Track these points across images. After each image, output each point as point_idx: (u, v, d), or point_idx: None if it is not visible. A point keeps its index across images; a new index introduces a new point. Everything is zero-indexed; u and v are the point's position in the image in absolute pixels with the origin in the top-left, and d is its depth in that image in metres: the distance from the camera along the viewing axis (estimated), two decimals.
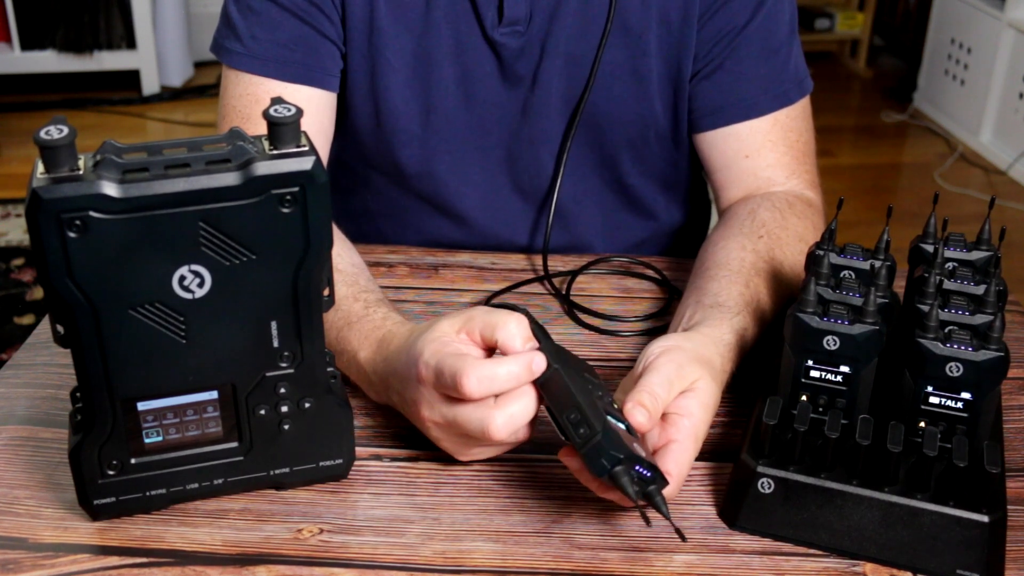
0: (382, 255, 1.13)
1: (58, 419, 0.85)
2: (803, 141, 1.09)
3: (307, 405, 0.75)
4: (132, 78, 3.90)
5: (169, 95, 3.94)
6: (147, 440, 0.72)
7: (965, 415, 0.74)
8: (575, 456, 0.71)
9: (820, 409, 0.77)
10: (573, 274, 1.10)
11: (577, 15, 1.04)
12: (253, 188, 0.65)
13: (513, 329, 0.73)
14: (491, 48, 1.05)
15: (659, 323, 1.01)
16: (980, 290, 0.76)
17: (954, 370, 0.72)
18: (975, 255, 0.81)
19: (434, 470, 0.81)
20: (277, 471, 0.77)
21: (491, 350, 0.75)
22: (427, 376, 0.74)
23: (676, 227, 1.24)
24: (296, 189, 0.66)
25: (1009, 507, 0.74)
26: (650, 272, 1.11)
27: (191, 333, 0.69)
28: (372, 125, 1.10)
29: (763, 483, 0.74)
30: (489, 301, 1.04)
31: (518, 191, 1.14)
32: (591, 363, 0.77)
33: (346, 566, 0.72)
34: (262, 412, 0.74)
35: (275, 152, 0.66)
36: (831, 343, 0.74)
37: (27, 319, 2.56)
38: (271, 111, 0.66)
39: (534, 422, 0.74)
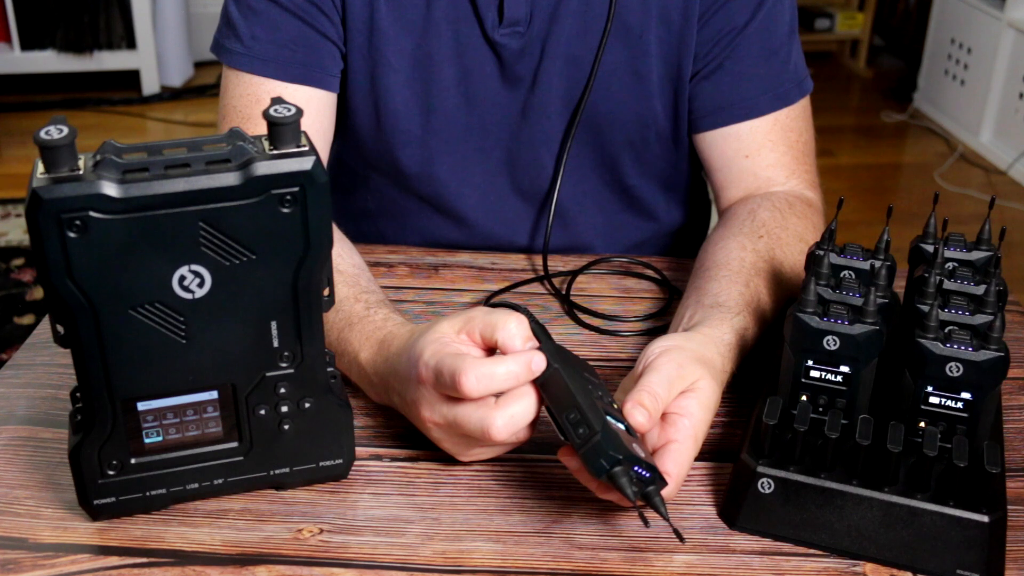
0: (382, 255, 1.13)
1: (58, 419, 0.85)
2: (803, 141, 1.09)
3: (307, 405, 0.75)
4: (132, 78, 3.90)
5: (169, 95, 3.94)
6: (147, 440, 0.72)
7: (965, 415, 0.74)
8: (574, 456, 0.71)
9: (820, 409, 0.77)
10: (573, 274, 1.10)
11: (577, 16, 1.04)
12: (253, 188, 0.65)
13: (513, 329, 0.73)
14: (491, 49, 1.05)
15: (659, 323, 1.01)
16: (980, 290, 0.76)
17: (954, 370, 0.72)
18: (975, 255, 0.81)
19: (434, 470, 0.81)
20: (277, 471, 0.77)
21: (491, 350, 0.75)
22: (427, 376, 0.74)
23: (676, 227, 1.24)
24: (296, 189, 0.66)
25: (1009, 507, 0.74)
26: (650, 272, 1.11)
27: (191, 333, 0.69)
28: (372, 125, 1.10)
29: (763, 483, 0.74)
30: (489, 301, 1.04)
31: (518, 192, 1.14)
32: (591, 363, 0.77)
33: (346, 566, 0.72)
34: (262, 412, 0.74)
35: (275, 152, 0.66)
36: (831, 343, 0.74)
37: (27, 319, 2.56)
38: (271, 111, 0.66)
39: (535, 423, 0.74)
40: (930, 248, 0.83)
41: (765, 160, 1.07)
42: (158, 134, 3.65)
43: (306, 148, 0.67)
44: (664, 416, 0.75)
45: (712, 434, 0.84)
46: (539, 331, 0.75)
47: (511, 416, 0.71)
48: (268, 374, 0.73)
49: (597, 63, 1.05)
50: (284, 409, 0.74)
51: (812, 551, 0.74)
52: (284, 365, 0.73)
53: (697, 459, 0.77)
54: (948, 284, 0.78)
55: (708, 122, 1.08)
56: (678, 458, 0.73)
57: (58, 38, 3.76)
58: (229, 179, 0.65)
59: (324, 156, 1.09)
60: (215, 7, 4.05)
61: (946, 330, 0.73)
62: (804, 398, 0.77)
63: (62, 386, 0.89)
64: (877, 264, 0.79)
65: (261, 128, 0.70)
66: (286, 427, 0.75)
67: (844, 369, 0.75)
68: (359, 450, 0.82)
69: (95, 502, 0.73)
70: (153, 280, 0.66)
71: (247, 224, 0.66)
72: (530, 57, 1.05)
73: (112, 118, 3.76)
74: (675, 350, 0.78)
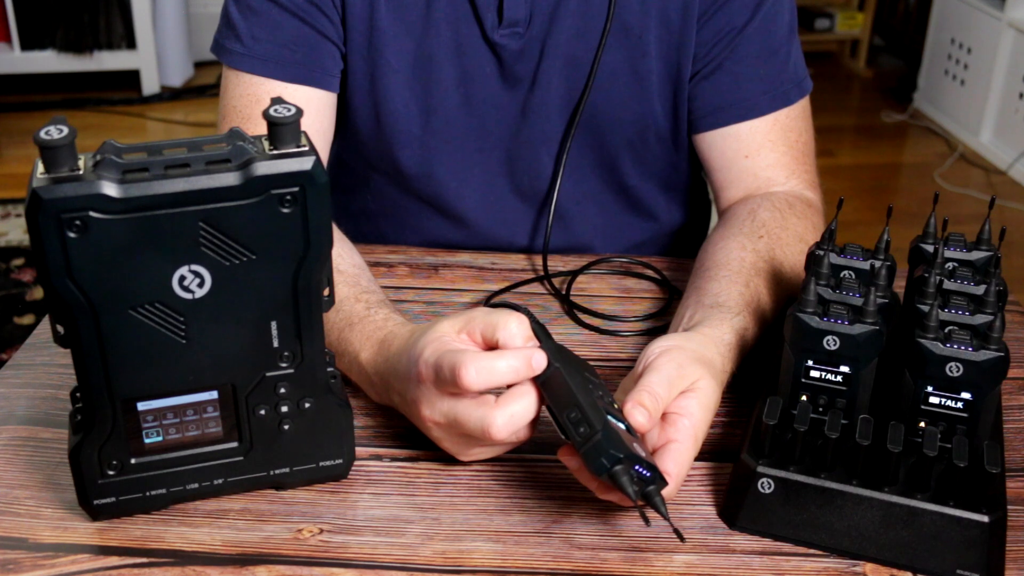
0: (382, 255, 1.13)
1: (58, 419, 0.85)
2: (803, 141, 1.09)
3: (307, 405, 0.75)
4: (132, 78, 3.90)
5: (169, 95, 3.94)
6: (147, 440, 0.72)
7: (965, 415, 0.74)
8: (575, 455, 0.71)
9: (820, 409, 0.77)
10: (573, 274, 1.10)
11: (577, 16, 1.04)
12: (253, 188, 0.65)
13: (514, 328, 0.73)
14: (491, 49, 1.05)
15: (659, 323, 1.01)
16: (980, 290, 0.77)
17: (954, 370, 0.72)
18: (975, 255, 0.81)
19: (434, 470, 0.81)
20: (277, 471, 0.77)
21: (491, 350, 0.75)
22: (427, 374, 0.74)
23: (676, 228, 1.24)
24: (296, 189, 0.66)
25: (1009, 507, 0.74)
26: (650, 272, 1.11)
27: (191, 333, 0.69)
28: (372, 126, 1.10)
29: (763, 483, 0.74)
30: (489, 301, 1.04)
31: (518, 192, 1.14)
32: (591, 363, 0.77)
33: (346, 566, 0.72)
34: (262, 412, 0.74)
35: (275, 152, 0.66)
36: (831, 343, 0.74)
37: (27, 319, 2.56)
38: (271, 111, 0.66)
39: (535, 422, 0.74)
40: (930, 248, 0.83)
41: (765, 160, 1.07)
42: (158, 134, 3.65)
43: (306, 148, 0.67)
44: (664, 416, 0.75)
45: (712, 434, 0.84)
46: (540, 331, 0.75)
47: (511, 415, 0.71)
48: (268, 374, 0.73)
49: (596, 63, 1.05)
50: (284, 409, 0.74)
51: (812, 551, 0.74)
52: (284, 365, 0.73)
53: (697, 459, 0.77)
54: (948, 284, 0.78)
55: (708, 122, 1.08)
56: (678, 458, 0.73)
57: (58, 38, 3.76)
58: (229, 179, 0.65)
59: (324, 156, 1.09)
60: (215, 7, 4.05)
61: (946, 330, 0.73)
62: (804, 398, 0.77)
63: (62, 386, 0.89)
64: (877, 264, 0.79)
65: (261, 128, 0.70)
66: (286, 427, 0.75)
67: (844, 369, 0.75)
68: (359, 450, 0.82)
69: (95, 502, 0.73)
70: (153, 280, 0.66)
71: (247, 224, 0.66)
72: (530, 58, 1.05)
73: (112, 118, 3.76)
74: (675, 350, 0.78)
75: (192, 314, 0.68)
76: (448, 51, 1.05)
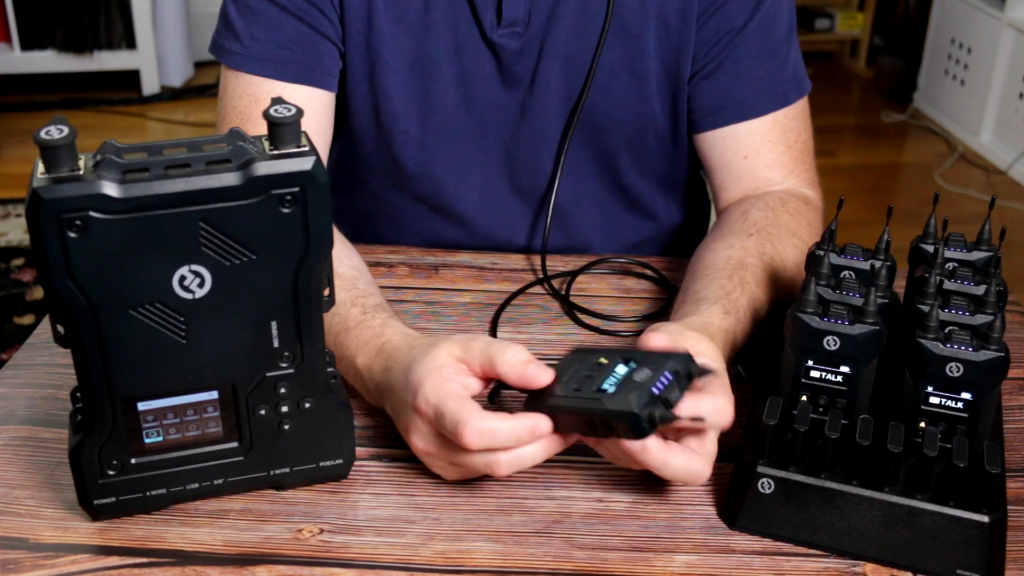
0: (382, 255, 1.13)
1: (58, 419, 0.85)
2: (802, 141, 1.09)
3: (307, 405, 0.75)
4: (132, 78, 3.90)
5: (169, 95, 3.94)
6: (147, 440, 0.72)
7: (965, 415, 0.74)
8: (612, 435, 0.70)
9: (820, 409, 0.77)
10: (572, 275, 1.10)
11: (575, 16, 1.04)
12: (253, 188, 0.65)
13: (510, 359, 0.73)
14: (490, 49, 1.05)
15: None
16: (980, 290, 0.77)
17: (954, 370, 0.72)
18: (975, 255, 0.81)
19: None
20: (277, 471, 0.77)
21: (489, 380, 0.76)
22: (426, 412, 0.73)
23: (675, 227, 1.24)
24: (296, 189, 0.66)
25: (1009, 507, 0.74)
26: (649, 272, 1.11)
27: (191, 333, 0.69)
28: (371, 125, 1.10)
29: (763, 483, 0.74)
30: (497, 318, 1.03)
31: (517, 192, 1.14)
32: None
33: (346, 566, 0.72)
34: (262, 412, 0.74)
35: (275, 152, 0.66)
36: (831, 343, 0.74)
37: (27, 319, 2.56)
38: (271, 111, 0.66)
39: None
40: (930, 248, 0.83)
41: (764, 160, 1.07)
42: (158, 134, 3.65)
43: (306, 148, 0.67)
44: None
45: None
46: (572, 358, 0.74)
47: (518, 455, 0.72)
48: (268, 374, 0.73)
49: (595, 63, 1.05)
50: (284, 409, 0.74)
51: (812, 551, 0.74)
52: (284, 365, 0.73)
53: None
54: (948, 284, 0.78)
55: (707, 122, 1.08)
56: (718, 398, 0.73)
57: (58, 38, 3.76)
58: (229, 179, 0.65)
59: (324, 156, 1.09)
60: (215, 7, 4.03)
61: (946, 330, 0.73)
62: (804, 398, 0.77)
63: (62, 386, 0.89)
64: (877, 264, 0.79)
65: (261, 128, 0.70)
66: (286, 427, 0.75)
67: (844, 369, 0.75)
68: (359, 450, 0.82)
69: (95, 502, 0.73)
70: (153, 280, 0.66)
71: (247, 224, 0.66)
72: (528, 57, 1.05)
73: (112, 118, 3.76)
74: (667, 325, 0.79)
75: (192, 314, 0.68)
76: (447, 51, 1.05)
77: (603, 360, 0.72)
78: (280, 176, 0.66)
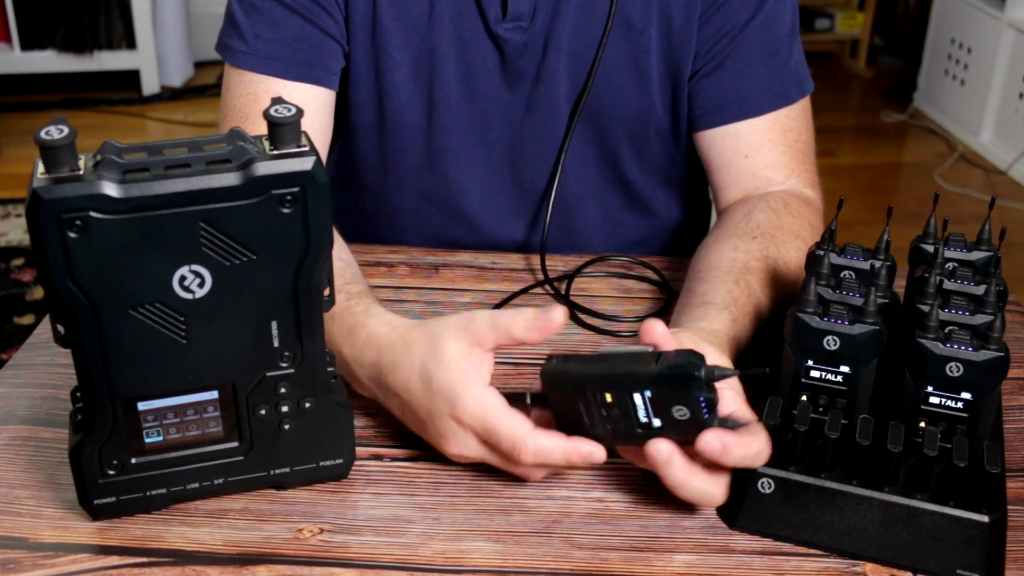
0: (382, 255, 1.13)
1: (58, 419, 0.85)
2: (803, 141, 1.09)
3: (307, 405, 0.75)
4: (132, 78, 3.90)
5: (169, 95, 3.94)
6: (147, 440, 0.72)
7: (965, 415, 0.74)
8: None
9: (820, 409, 0.77)
10: (572, 276, 1.10)
11: (580, 11, 1.04)
12: (253, 188, 0.65)
13: (524, 323, 0.73)
14: (494, 44, 1.05)
15: None
16: (980, 290, 0.77)
17: (954, 370, 0.72)
18: (975, 255, 0.81)
19: (434, 470, 0.81)
20: (277, 471, 0.77)
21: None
22: (471, 426, 0.74)
23: (676, 224, 1.24)
24: (296, 189, 0.66)
25: (1009, 507, 0.74)
26: (649, 273, 1.11)
27: (191, 333, 0.69)
28: (375, 122, 1.10)
29: (763, 483, 0.74)
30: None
31: (519, 187, 1.14)
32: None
33: (346, 566, 0.72)
34: (262, 412, 0.74)
35: (275, 152, 0.66)
36: (831, 343, 0.74)
37: (27, 319, 2.56)
38: (271, 111, 0.66)
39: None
40: (930, 248, 0.83)
41: (764, 160, 1.07)
42: (158, 134, 3.65)
43: (306, 148, 0.67)
44: None
45: None
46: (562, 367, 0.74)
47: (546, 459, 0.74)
48: (268, 374, 0.73)
49: (598, 58, 1.05)
50: (284, 409, 0.74)
51: (812, 551, 0.74)
52: (284, 365, 0.73)
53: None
54: (948, 284, 0.78)
55: (708, 120, 1.08)
56: (742, 412, 0.74)
57: (58, 38, 3.76)
58: (229, 179, 0.65)
59: (324, 154, 1.09)
60: (215, 7, 4.05)
61: (946, 330, 0.73)
62: (804, 398, 0.77)
63: (62, 386, 0.89)
64: (877, 264, 0.79)
65: (262, 127, 0.70)
66: (286, 427, 0.75)
67: (844, 369, 0.75)
68: (359, 450, 0.82)
69: (95, 502, 0.73)
70: (153, 280, 0.66)
71: (247, 224, 0.66)
72: (533, 52, 1.05)
73: (112, 118, 3.76)
74: (672, 329, 0.79)
75: (192, 314, 0.68)
76: (451, 45, 1.05)
77: (608, 398, 0.72)
78: (280, 176, 0.66)
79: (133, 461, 0.73)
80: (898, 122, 3.95)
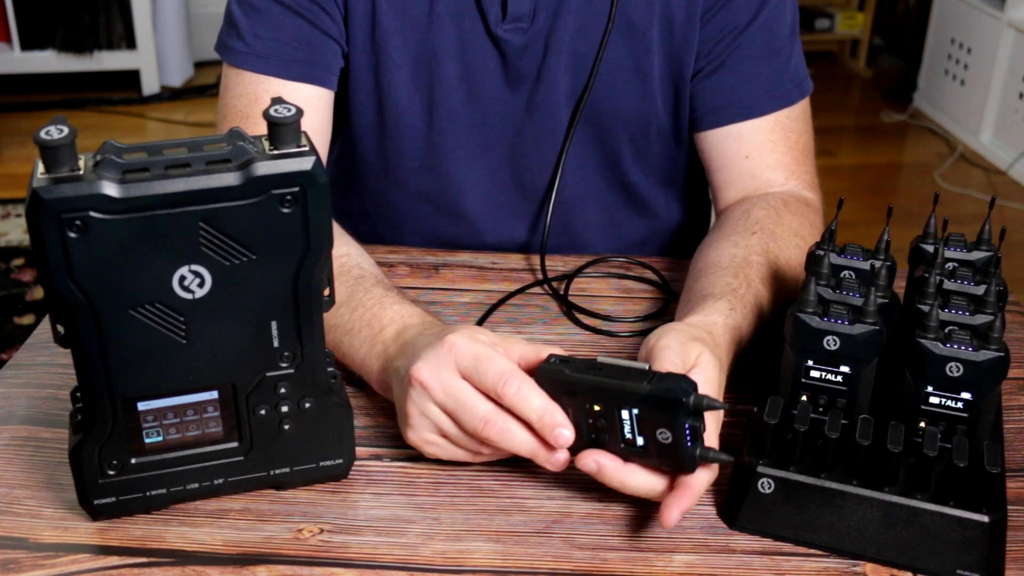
0: (382, 255, 1.13)
1: (58, 419, 0.85)
2: (803, 142, 1.09)
3: (307, 405, 0.75)
4: (132, 78, 3.90)
5: (169, 95, 3.94)
6: (147, 440, 0.72)
7: (965, 415, 0.74)
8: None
9: (820, 409, 0.77)
10: (573, 274, 1.10)
11: (580, 12, 1.04)
12: (253, 188, 0.65)
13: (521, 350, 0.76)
14: (495, 45, 1.05)
15: (658, 323, 1.01)
16: (980, 290, 0.77)
17: (954, 370, 0.72)
18: (975, 255, 0.81)
19: (434, 470, 0.81)
20: (277, 471, 0.77)
21: None
22: (461, 351, 0.74)
23: (676, 225, 1.24)
24: (296, 189, 0.66)
25: (1009, 507, 0.74)
26: (648, 274, 1.11)
27: (191, 333, 0.69)
28: (375, 123, 1.10)
29: (763, 483, 0.74)
30: (486, 318, 1.03)
31: (520, 188, 1.14)
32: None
33: (346, 566, 0.72)
34: (262, 412, 0.74)
35: (275, 152, 0.66)
36: (831, 343, 0.74)
37: (27, 319, 2.56)
38: (271, 111, 0.66)
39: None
40: (930, 248, 0.83)
41: (765, 161, 1.07)
42: (158, 134, 3.65)
43: (306, 148, 0.67)
44: None
45: None
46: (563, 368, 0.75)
47: (510, 429, 0.73)
48: (268, 374, 0.73)
49: (599, 59, 1.05)
50: (284, 409, 0.74)
51: (812, 551, 0.74)
52: (284, 365, 0.73)
53: None
54: (948, 284, 0.78)
55: (709, 121, 1.08)
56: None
57: (58, 38, 3.76)
58: (229, 179, 0.65)
59: (323, 155, 1.09)
60: (215, 7, 4.05)
61: (946, 330, 0.73)
62: (804, 398, 0.77)
63: (62, 386, 0.89)
64: (877, 264, 0.79)
65: (261, 127, 0.70)
66: (286, 427, 0.75)
67: (844, 369, 0.75)
68: (359, 450, 0.82)
69: (95, 502, 0.73)
70: (153, 280, 0.66)
71: (247, 224, 0.66)
72: (534, 53, 1.05)
73: (112, 118, 3.76)
74: (671, 331, 0.79)
75: (192, 314, 0.68)
76: (451, 46, 1.05)
77: (596, 407, 0.73)
78: (280, 176, 0.66)
79: (133, 461, 0.73)
80: (898, 122, 3.95)
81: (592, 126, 1.10)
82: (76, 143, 0.63)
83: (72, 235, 0.63)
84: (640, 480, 0.73)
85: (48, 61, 3.79)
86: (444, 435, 0.76)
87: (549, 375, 0.73)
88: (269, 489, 0.78)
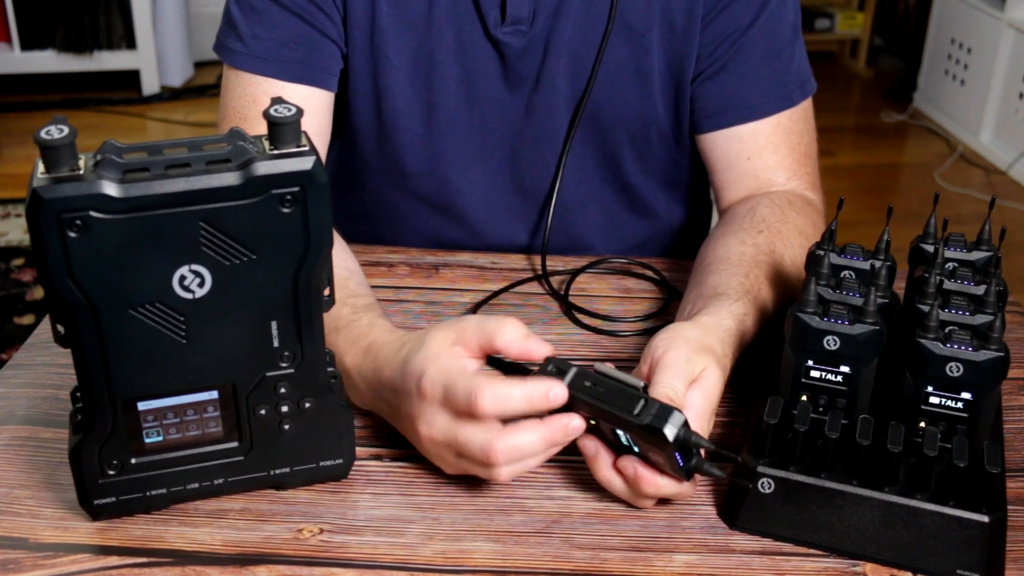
0: (382, 255, 1.13)
1: (58, 419, 0.85)
2: (804, 143, 1.09)
3: (307, 405, 0.75)
4: (132, 78, 3.90)
5: (169, 95, 3.94)
6: (147, 440, 0.72)
7: (965, 415, 0.74)
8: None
9: (820, 409, 0.77)
10: (573, 273, 1.10)
11: (580, 14, 1.04)
12: (253, 188, 0.65)
13: (510, 334, 0.73)
14: (494, 47, 1.05)
15: (658, 323, 1.01)
16: (980, 290, 0.77)
17: (954, 370, 0.72)
18: (975, 255, 0.81)
19: (434, 470, 0.81)
20: (277, 471, 0.77)
21: (487, 358, 0.76)
22: (432, 392, 0.73)
23: (677, 226, 1.24)
24: (296, 189, 0.66)
25: (1009, 507, 0.74)
26: (649, 273, 1.11)
27: (191, 333, 0.69)
28: (374, 125, 1.10)
29: (763, 483, 0.74)
30: (478, 308, 1.03)
31: (520, 191, 1.14)
32: (591, 363, 0.77)
33: (346, 566, 0.72)
34: (262, 412, 0.74)
35: (275, 152, 0.66)
36: (831, 343, 0.74)
37: (27, 319, 2.56)
38: (271, 111, 0.66)
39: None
40: (930, 248, 0.83)
41: (766, 162, 1.07)
42: (158, 134, 3.65)
43: (306, 148, 0.67)
44: None
45: (712, 434, 0.84)
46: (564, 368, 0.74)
47: (515, 445, 0.71)
48: (268, 374, 0.73)
49: (599, 61, 1.05)
50: (284, 409, 0.74)
51: (812, 551, 0.74)
52: (284, 365, 0.73)
53: None
54: (948, 284, 0.78)
55: (710, 123, 1.08)
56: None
57: (58, 38, 3.76)
58: (229, 179, 0.65)
59: (323, 155, 1.09)
60: (215, 7, 4.05)
61: (946, 330, 0.73)
62: (804, 398, 0.77)
63: (62, 386, 0.89)
64: (877, 264, 0.79)
65: (261, 127, 0.70)
66: (286, 427, 0.75)
67: (844, 369, 0.75)
68: (359, 450, 0.82)
69: (95, 502, 0.73)
70: (153, 280, 0.66)
71: (247, 224, 0.66)
72: (533, 56, 1.05)
73: (112, 118, 3.76)
74: (680, 341, 0.78)
75: (192, 314, 0.68)
76: (450, 49, 1.05)
77: (592, 421, 0.74)
78: (280, 176, 0.66)
79: (133, 461, 0.73)
80: (898, 122, 3.95)
81: (592, 128, 1.10)
82: (76, 143, 0.63)
83: (72, 235, 0.63)
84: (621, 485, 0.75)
85: (48, 61, 3.79)
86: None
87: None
88: (269, 489, 0.78)
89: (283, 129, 0.66)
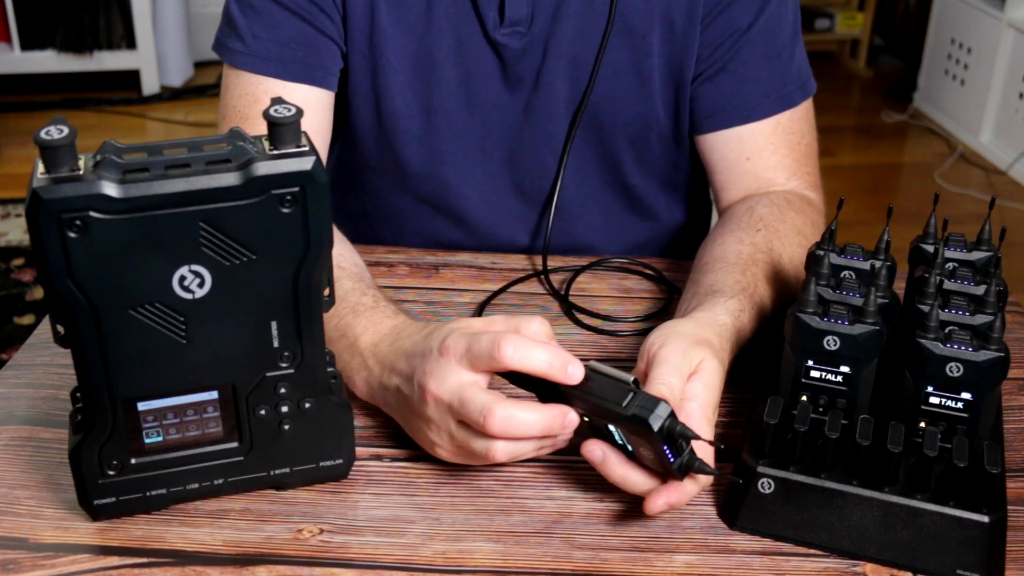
0: (382, 255, 1.13)
1: (58, 419, 0.85)
2: (805, 143, 1.09)
3: (307, 405, 0.75)
4: (132, 78, 3.90)
5: (169, 95, 3.94)
6: (147, 440, 0.72)
7: (965, 415, 0.74)
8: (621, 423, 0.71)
9: (820, 409, 0.77)
10: (575, 271, 1.10)
11: (579, 15, 1.04)
12: (253, 188, 0.65)
13: (536, 328, 0.74)
14: (493, 49, 1.05)
15: (658, 323, 1.01)
16: (980, 290, 0.77)
17: (954, 370, 0.72)
18: (975, 255, 0.81)
19: (434, 470, 0.81)
20: (277, 471, 0.77)
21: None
22: (455, 347, 0.73)
23: (677, 227, 1.24)
24: (296, 189, 0.66)
25: (1009, 507, 0.74)
26: (649, 272, 1.11)
27: (191, 333, 0.69)
28: (373, 125, 1.10)
29: (763, 483, 0.74)
30: (483, 308, 1.03)
31: (519, 192, 1.14)
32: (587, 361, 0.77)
33: (346, 566, 0.72)
34: (262, 412, 0.74)
35: (275, 152, 0.66)
36: (831, 343, 0.74)
37: (27, 319, 2.56)
38: (271, 111, 0.66)
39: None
40: (930, 248, 0.83)
41: (766, 163, 1.07)
42: (158, 134, 3.65)
43: (306, 148, 0.67)
44: None
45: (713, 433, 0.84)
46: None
47: (512, 415, 0.71)
48: (268, 374, 0.73)
49: (598, 63, 1.05)
50: (284, 409, 0.74)
51: (812, 551, 0.74)
52: (284, 365, 0.73)
53: None
54: (948, 284, 0.78)
55: (710, 124, 1.08)
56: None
57: (58, 38, 3.76)
58: (229, 179, 0.65)
59: (323, 155, 1.09)
60: (215, 7, 4.05)
61: (946, 330, 0.73)
62: (804, 398, 0.77)
63: (62, 386, 0.89)
64: (877, 264, 0.79)
65: (261, 127, 0.70)
66: (286, 427, 0.75)
67: (844, 369, 0.75)
68: (359, 450, 0.82)
69: (95, 502, 0.73)
70: (153, 280, 0.66)
71: (247, 224, 0.66)
72: (532, 57, 1.05)
73: (112, 118, 3.76)
74: (675, 336, 0.78)
75: (192, 314, 0.68)
76: (449, 50, 1.05)
77: (586, 418, 0.74)
78: (280, 176, 0.66)
79: (133, 461, 0.73)
80: (898, 122, 3.95)
81: (592, 130, 1.10)
82: (76, 143, 0.63)
83: (72, 235, 0.63)
84: (640, 476, 0.73)
85: (48, 61, 3.79)
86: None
87: (542, 383, 0.73)
88: (269, 489, 0.78)
89: (283, 129, 0.66)
